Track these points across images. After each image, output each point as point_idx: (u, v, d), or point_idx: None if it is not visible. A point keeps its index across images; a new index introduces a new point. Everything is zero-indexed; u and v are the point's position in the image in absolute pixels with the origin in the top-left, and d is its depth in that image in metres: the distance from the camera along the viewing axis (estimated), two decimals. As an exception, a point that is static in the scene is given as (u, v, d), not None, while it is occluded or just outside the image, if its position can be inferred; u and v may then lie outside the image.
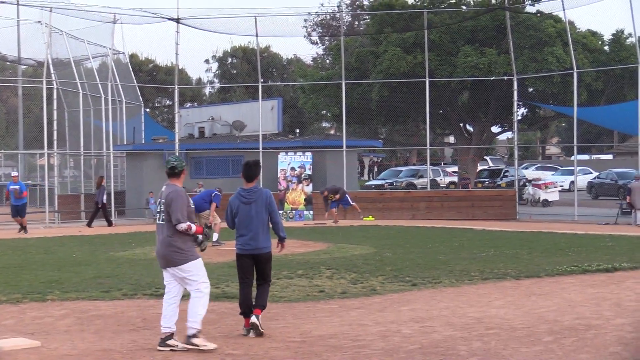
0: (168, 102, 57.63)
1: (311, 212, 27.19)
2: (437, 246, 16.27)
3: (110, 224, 25.41)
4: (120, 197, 29.96)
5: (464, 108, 36.54)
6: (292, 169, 27.75)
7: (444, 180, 38.89)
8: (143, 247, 17.06)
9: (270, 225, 7.71)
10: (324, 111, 39.76)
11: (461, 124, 38.03)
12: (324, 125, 56.56)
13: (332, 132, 51.95)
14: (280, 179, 27.70)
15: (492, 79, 30.11)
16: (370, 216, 26.62)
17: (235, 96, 53.31)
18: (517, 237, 18.29)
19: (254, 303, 7.61)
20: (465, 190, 29.19)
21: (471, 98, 35.38)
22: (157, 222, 7.13)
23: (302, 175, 27.66)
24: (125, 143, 32.16)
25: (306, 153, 27.97)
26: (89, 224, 24.98)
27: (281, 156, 27.93)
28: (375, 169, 52.33)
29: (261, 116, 28.35)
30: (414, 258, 13.95)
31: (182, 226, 6.89)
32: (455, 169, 40.55)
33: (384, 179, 37.91)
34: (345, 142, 27.83)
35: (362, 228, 22.28)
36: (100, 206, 25.08)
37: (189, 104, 53.30)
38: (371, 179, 46.58)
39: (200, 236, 7.13)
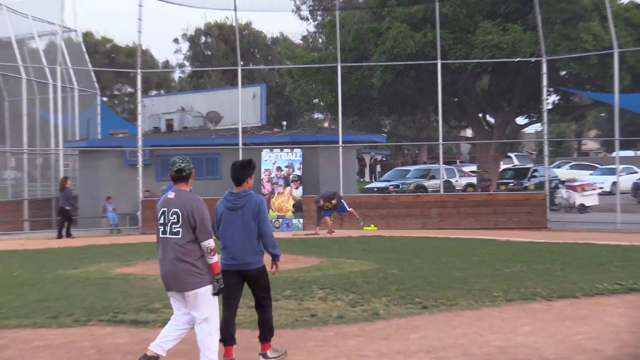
0: (129, 89, 57.73)
1: (301, 220, 27.25)
2: (453, 261, 16.31)
3: (60, 235, 25.50)
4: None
5: (483, 95, 36.58)
6: (278, 168, 27.78)
7: (460, 181, 38.92)
8: (99, 264, 17.04)
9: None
10: (316, 100, 39.68)
11: (480, 115, 38.09)
12: (316, 116, 56.50)
13: (325, 124, 51.80)
14: (264, 181, 27.70)
15: (516, 60, 30.14)
16: (372, 225, 26.63)
17: (209, 82, 53.34)
18: (548, 250, 18.31)
19: (258, 337, 7.82)
20: (485, 194, 29.29)
21: (492, 83, 35.40)
22: (162, 235, 7.20)
23: (290, 176, 27.69)
24: (77, 138, 32.12)
25: (295, 150, 27.96)
26: (68, 234, 25.44)
27: (265, 154, 27.91)
28: (378, 169, 52.39)
29: (241, 106, 28.34)
30: (424, 275, 13.98)
31: (211, 244, 7.10)
32: (474, 168, 40.72)
33: (388, 181, 38.05)
34: (341, 136, 27.85)
35: (362, 239, 22.33)
36: (65, 211, 25.44)
37: (154, 92, 53.68)
38: (373, 180, 46.69)
39: (217, 278, 7.26)
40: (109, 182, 29.45)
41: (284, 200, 27.50)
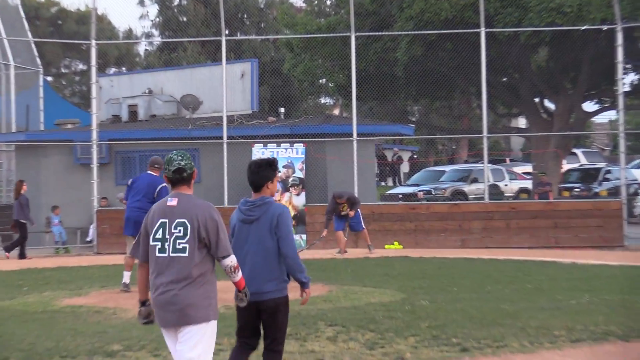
0: (81, 66, 58.00)
1: (303, 236, 27.19)
2: (500, 289, 16.33)
3: (23, 255, 25.68)
4: (5, 213, 29.72)
5: (540, 74, 36.67)
6: None
7: (510, 186, 38.79)
8: (41, 293, 16.96)
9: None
10: (323, 80, 39.70)
11: (536, 99, 38.11)
12: (323, 101, 55.89)
13: (335, 112, 51.63)
14: None
15: (583, 28, 30.10)
16: (396, 243, 26.66)
17: (185, 57, 53.10)
18: (625, 275, 18.22)
19: None
20: (543, 202, 29.18)
21: (551, 59, 35.54)
22: (159, 255, 7.20)
23: (290, 179, 27.67)
24: (13, 130, 32.27)
25: (296, 145, 27.94)
26: (22, 255, 25.54)
27: (257, 150, 27.80)
28: (404, 169, 51.67)
29: (226, 88, 28.26)
30: (464, 308, 13.94)
31: (234, 261, 7.23)
32: (529, 168, 40.54)
33: (417, 185, 37.65)
34: (356, 127, 27.76)
35: (382, 261, 22.27)
36: (22, 225, 25.56)
37: (113, 70, 53.07)
38: (397, 184, 46.38)
39: (245, 292, 7.48)
40: (54, 186, 29.49)
41: (282, 210, 27.40)
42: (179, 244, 7.06)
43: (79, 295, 16.55)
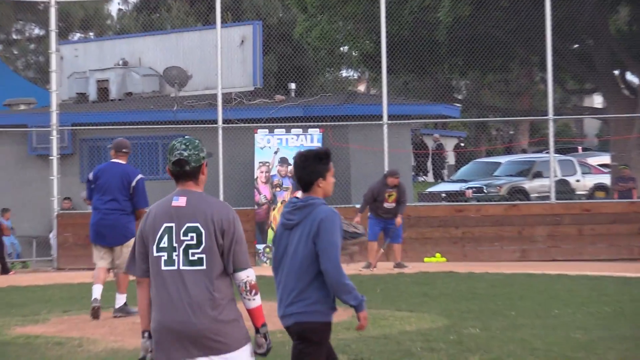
0: (37, 31, 58.31)
1: None
2: (571, 314, 16.36)
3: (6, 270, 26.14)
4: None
5: (621, 39, 36.67)
6: (283, 161, 27.91)
7: (583, 182, 38.75)
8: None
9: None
10: (345, 47, 39.81)
11: (616, 72, 38.05)
12: (344, 74, 56.26)
13: (360, 88, 51.73)
14: (259, 181, 27.88)
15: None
16: (438, 254, 26.80)
17: (170, 19, 53.00)
18: None
19: None
20: (626, 202, 29.20)
21: (635, 20, 35.63)
22: (165, 268, 7.16)
23: None
24: (-48, 112, 32.33)
25: (310, 131, 28.11)
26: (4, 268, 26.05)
27: (261, 137, 28.07)
28: (448, 161, 51.72)
29: (221, 58, 28.27)
30: (524, 337, 13.95)
31: (251, 277, 7.18)
32: (607, 159, 40.55)
33: (465, 181, 37.56)
34: (386, 108, 27.77)
35: (421, 278, 22.38)
36: None
37: (78, 36, 53.61)
38: (439, 180, 46.15)
39: (265, 332, 7.30)
40: (3, 184, 29.73)
41: (292, 213, 27.48)
42: (193, 254, 7.06)
43: (36, 323, 16.42)
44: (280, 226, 8.03)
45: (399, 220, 24.52)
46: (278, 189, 27.95)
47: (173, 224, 7.10)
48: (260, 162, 27.96)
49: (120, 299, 16.66)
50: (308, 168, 7.94)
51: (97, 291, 16.28)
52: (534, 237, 27.12)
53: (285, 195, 27.68)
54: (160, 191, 24.02)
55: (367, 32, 34.12)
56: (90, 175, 16.96)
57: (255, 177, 27.88)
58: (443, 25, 32.95)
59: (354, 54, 40.20)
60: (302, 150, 8.17)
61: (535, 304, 17.64)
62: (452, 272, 23.43)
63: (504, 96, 47.72)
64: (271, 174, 27.97)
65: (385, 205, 24.49)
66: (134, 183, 16.62)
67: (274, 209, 27.63)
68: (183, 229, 7.07)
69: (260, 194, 27.81)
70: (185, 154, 7.19)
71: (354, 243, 8.55)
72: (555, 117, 29.56)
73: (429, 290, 20.07)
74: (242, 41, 31.03)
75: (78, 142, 29.85)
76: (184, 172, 7.22)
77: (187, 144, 7.25)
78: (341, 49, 40.30)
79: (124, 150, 16.56)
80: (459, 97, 45.12)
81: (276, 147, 28.08)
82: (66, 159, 28.80)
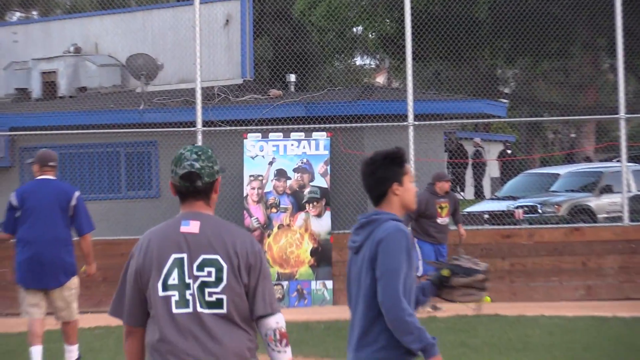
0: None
1: (329, 283, 26.25)
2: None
3: None
4: None
5: None
6: (280, 174, 26.91)
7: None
8: None
9: None
10: (359, 28, 39.28)
11: None
12: (358, 63, 57.54)
13: (379, 80, 53.07)
14: (250, 200, 26.87)
15: None
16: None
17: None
18: None
19: None
20: None
21: None
22: (177, 310, 6.72)
23: (307, 190, 26.74)
24: None
25: (315, 135, 27.11)
26: None
27: (251, 143, 27.13)
28: (492, 173, 52.64)
29: (200, 43, 26.87)
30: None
31: (281, 324, 6.88)
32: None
33: (514, 198, 36.45)
34: (412, 105, 26.28)
35: (458, 323, 21.70)
36: None
37: (18, 16, 55.25)
38: (481, 197, 46.16)
39: None
40: None
41: (294, 240, 26.37)
42: (210, 294, 6.76)
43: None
44: (349, 250, 7.85)
45: (462, 231, 24.08)
46: (274, 210, 26.91)
47: (184, 255, 6.86)
48: (251, 176, 27.09)
49: (72, 353, 16.31)
50: (377, 173, 7.61)
51: (37, 356, 15.91)
52: (602, 269, 25.74)
53: (284, 218, 26.64)
54: (123, 214, 27.07)
55: (386, 8, 33.88)
56: (13, 200, 15.90)
57: (244, 195, 26.99)
58: (482, 2, 33.01)
59: (370, 36, 40.82)
60: (376, 151, 7.81)
61: (605, 356, 17.96)
62: (497, 316, 22.83)
63: (563, 89, 48.13)
64: (265, 190, 27.07)
65: (439, 220, 23.57)
66: (73, 202, 16.11)
67: (269, 236, 26.71)
68: (197, 262, 6.85)
69: (251, 217, 26.90)
70: (197, 165, 7.02)
71: (465, 283, 7.73)
72: (629, 115, 28.39)
73: (468, 338, 19.86)
74: (227, 21, 30.07)
75: (17, 151, 28.77)
76: (194, 189, 7.03)
77: (200, 153, 7.08)
78: (354, 29, 40.74)
79: (50, 163, 15.87)
80: (506, 90, 46.93)
81: (271, 157, 27.35)
82: (2, 173, 28.61)
